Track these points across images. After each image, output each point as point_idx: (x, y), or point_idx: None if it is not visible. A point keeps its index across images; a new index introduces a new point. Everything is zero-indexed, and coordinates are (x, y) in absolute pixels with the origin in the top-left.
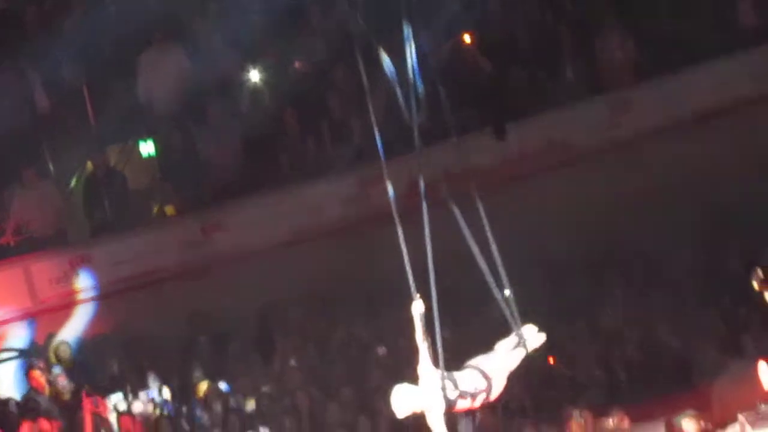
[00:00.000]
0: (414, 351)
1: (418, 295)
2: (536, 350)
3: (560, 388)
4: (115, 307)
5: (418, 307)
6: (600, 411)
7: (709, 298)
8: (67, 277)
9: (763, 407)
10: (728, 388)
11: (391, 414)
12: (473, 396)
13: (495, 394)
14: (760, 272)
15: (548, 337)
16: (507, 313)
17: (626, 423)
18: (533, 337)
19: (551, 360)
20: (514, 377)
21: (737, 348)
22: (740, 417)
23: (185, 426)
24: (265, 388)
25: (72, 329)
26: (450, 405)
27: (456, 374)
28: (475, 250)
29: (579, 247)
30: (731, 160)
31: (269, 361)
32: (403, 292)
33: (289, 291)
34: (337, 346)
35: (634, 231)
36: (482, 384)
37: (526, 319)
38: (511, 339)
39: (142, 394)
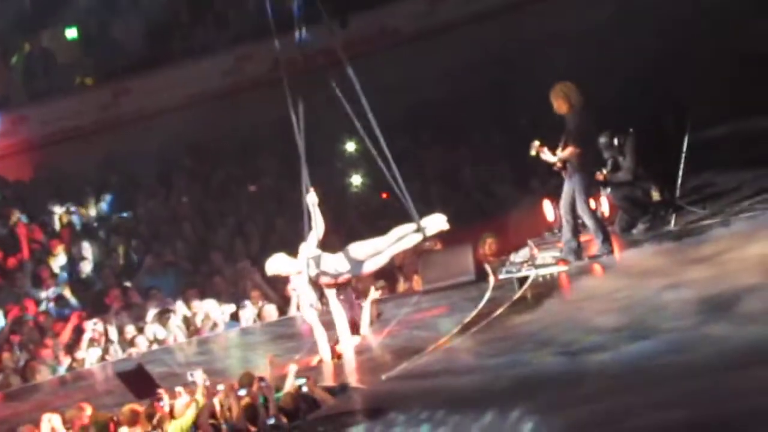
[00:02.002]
0: (277, 190)
1: (312, 189)
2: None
3: (392, 217)
4: (46, 155)
5: (311, 198)
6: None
7: (504, 149)
8: (9, 132)
9: (547, 235)
10: (520, 219)
11: (261, 234)
12: (335, 276)
13: (365, 272)
14: (537, 143)
15: (383, 179)
16: (408, 206)
17: (439, 245)
18: (436, 224)
19: (385, 195)
20: (353, 210)
21: (527, 188)
22: (529, 242)
23: (101, 247)
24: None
25: (13, 173)
26: (312, 279)
27: (326, 256)
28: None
29: (404, 111)
30: (510, 46)
31: (167, 197)
32: (268, 142)
33: (181, 143)
34: (218, 184)
35: (445, 98)
36: (344, 267)
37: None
38: (409, 225)
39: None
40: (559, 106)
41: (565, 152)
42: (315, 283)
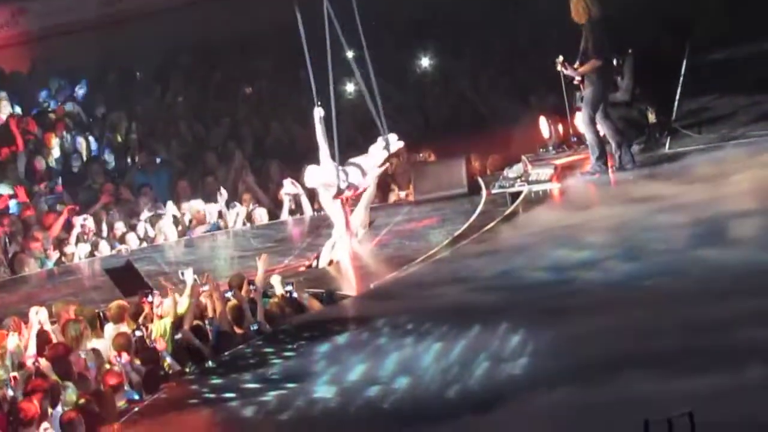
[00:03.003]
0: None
1: (319, 103)
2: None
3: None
4: (46, 47)
5: (318, 112)
6: (414, 148)
7: (505, 65)
8: (9, 24)
9: (541, 151)
10: (516, 134)
11: (255, 138)
12: (355, 188)
13: (367, 185)
14: (561, 58)
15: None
16: (378, 123)
17: (433, 156)
18: (395, 143)
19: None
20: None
21: (525, 104)
22: (523, 158)
23: (95, 143)
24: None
25: (11, 65)
26: (340, 192)
27: (346, 168)
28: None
29: (408, 18)
30: None
31: (163, 96)
32: (268, 45)
33: (181, 41)
34: (215, 85)
35: (450, 8)
36: (360, 179)
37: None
38: (379, 143)
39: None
40: (579, 15)
41: (585, 66)
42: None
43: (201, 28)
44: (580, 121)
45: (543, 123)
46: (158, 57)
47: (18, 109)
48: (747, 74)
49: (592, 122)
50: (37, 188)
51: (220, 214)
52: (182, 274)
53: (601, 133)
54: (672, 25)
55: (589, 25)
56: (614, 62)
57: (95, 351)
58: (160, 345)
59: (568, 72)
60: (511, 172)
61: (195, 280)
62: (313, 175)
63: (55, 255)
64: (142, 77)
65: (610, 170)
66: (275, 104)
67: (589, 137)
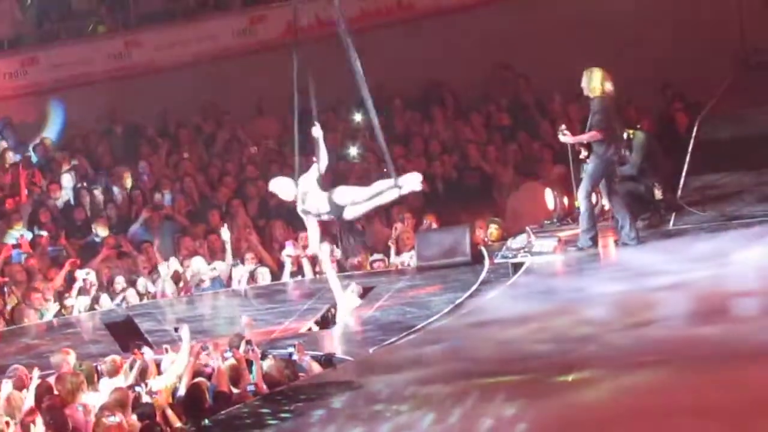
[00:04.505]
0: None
1: (317, 123)
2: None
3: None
4: (53, 101)
5: (317, 132)
6: (419, 214)
7: (511, 133)
8: (18, 74)
9: (545, 222)
10: (521, 205)
11: (261, 198)
12: (315, 216)
13: (344, 217)
14: (563, 126)
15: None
16: (388, 165)
17: (437, 224)
18: (412, 183)
19: (385, 170)
20: (355, 181)
21: (530, 174)
22: (527, 228)
23: (100, 196)
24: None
25: (19, 115)
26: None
27: (313, 193)
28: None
29: (412, 86)
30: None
31: (169, 151)
32: (275, 105)
33: (189, 99)
34: (222, 143)
35: (456, 76)
36: (326, 209)
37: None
38: (389, 181)
39: (65, 164)
40: (590, 89)
41: (585, 134)
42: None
43: (209, 86)
44: (579, 192)
45: (549, 195)
46: (166, 113)
47: (24, 159)
48: (754, 154)
49: (589, 196)
50: (41, 239)
51: (222, 273)
52: (177, 330)
53: (607, 208)
54: (683, 101)
55: (597, 100)
56: (624, 137)
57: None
58: (159, 401)
59: (567, 138)
60: (515, 243)
61: (194, 340)
62: (278, 182)
63: (55, 307)
64: (149, 132)
65: (600, 245)
66: (281, 165)
67: (582, 209)
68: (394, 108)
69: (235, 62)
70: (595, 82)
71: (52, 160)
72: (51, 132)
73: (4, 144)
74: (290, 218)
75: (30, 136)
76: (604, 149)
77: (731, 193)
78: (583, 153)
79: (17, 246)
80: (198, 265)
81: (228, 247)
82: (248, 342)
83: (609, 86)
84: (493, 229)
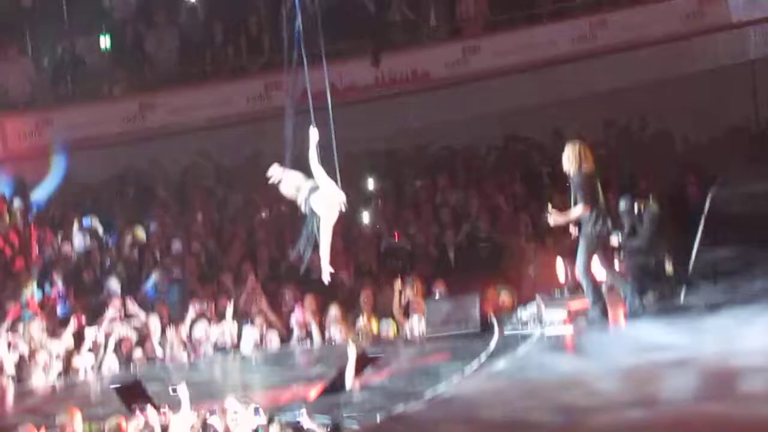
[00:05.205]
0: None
1: (314, 125)
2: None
3: (399, 259)
4: (66, 161)
5: (313, 134)
6: (428, 281)
7: (523, 203)
8: (33, 133)
9: (556, 293)
10: (531, 275)
11: (271, 261)
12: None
13: None
14: (550, 206)
15: (397, 219)
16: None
17: (446, 291)
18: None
19: (396, 236)
20: (365, 246)
21: (542, 245)
22: (537, 298)
23: (110, 256)
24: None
25: (33, 175)
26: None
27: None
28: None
29: (423, 153)
30: (538, 101)
31: (181, 213)
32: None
33: (202, 163)
34: (234, 207)
35: (468, 145)
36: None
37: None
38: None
39: (77, 225)
40: (569, 165)
41: (571, 212)
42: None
43: (223, 149)
44: (576, 269)
45: (559, 265)
46: (178, 175)
47: (36, 219)
48: (766, 229)
49: (587, 270)
50: (50, 298)
51: (231, 335)
52: (174, 390)
53: (608, 281)
54: (696, 174)
55: (577, 176)
56: (635, 208)
57: None
58: None
59: (556, 218)
60: (525, 313)
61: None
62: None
63: (61, 366)
64: (161, 194)
65: (611, 318)
66: (293, 230)
67: (584, 285)
68: (405, 175)
69: (250, 127)
70: (575, 158)
71: (63, 219)
72: (49, 186)
73: (17, 203)
74: (300, 282)
75: (42, 196)
76: (592, 224)
77: (742, 267)
78: (573, 230)
79: (26, 305)
80: (206, 327)
81: (230, 310)
82: (255, 409)
83: (586, 162)
84: (504, 298)
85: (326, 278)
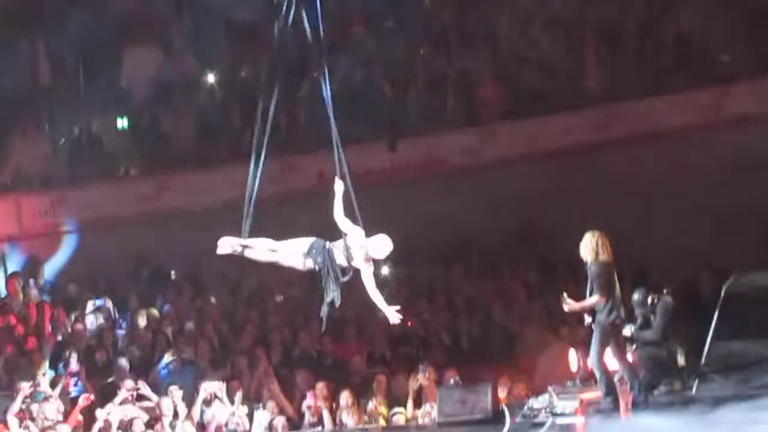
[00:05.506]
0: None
1: (338, 177)
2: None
3: (413, 346)
4: (80, 241)
5: (338, 186)
6: (441, 368)
7: (538, 292)
8: (48, 212)
9: (569, 383)
10: (544, 364)
11: (284, 346)
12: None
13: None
14: (565, 294)
15: (411, 306)
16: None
17: (459, 378)
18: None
19: (409, 322)
20: (379, 332)
21: (555, 335)
22: (550, 388)
23: (123, 337)
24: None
25: (47, 253)
26: None
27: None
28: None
29: (438, 239)
30: (556, 186)
31: (194, 297)
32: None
33: (216, 246)
34: (248, 291)
35: (483, 232)
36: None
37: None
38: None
39: (90, 305)
40: (586, 254)
41: (589, 301)
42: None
43: (237, 233)
44: (590, 359)
45: (572, 355)
46: (192, 258)
47: (50, 298)
48: None
49: (600, 360)
50: (62, 378)
51: (241, 417)
52: None
53: (617, 370)
54: (710, 268)
55: (596, 265)
56: (648, 300)
57: None
58: None
59: (571, 305)
60: (537, 402)
61: None
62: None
63: None
64: (175, 276)
65: (623, 409)
66: (306, 315)
67: (597, 375)
68: (419, 263)
69: (264, 209)
70: (594, 247)
71: (77, 299)
72: (63, 265)
73: (31, 281)
74: (313, 367)
75: (56, 274)
76: (606, 314)
77: (755, 361)
78: (587, 319)
79: (37, 385)
80: (217, 410)
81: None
82: None
83: (607, 251)
84: (516, 388)
85: (395, 320)
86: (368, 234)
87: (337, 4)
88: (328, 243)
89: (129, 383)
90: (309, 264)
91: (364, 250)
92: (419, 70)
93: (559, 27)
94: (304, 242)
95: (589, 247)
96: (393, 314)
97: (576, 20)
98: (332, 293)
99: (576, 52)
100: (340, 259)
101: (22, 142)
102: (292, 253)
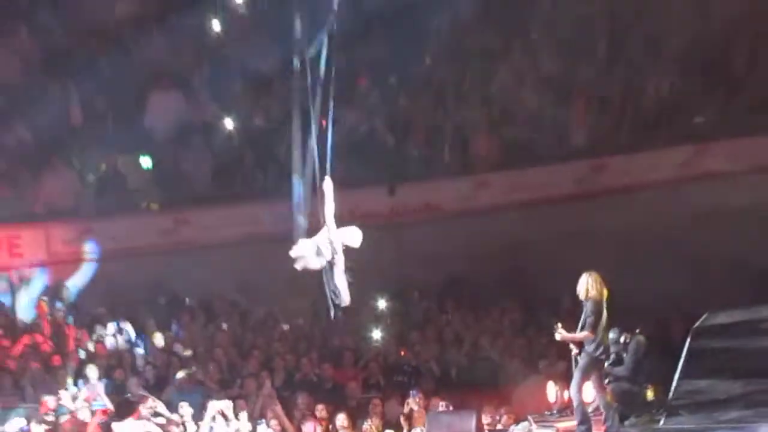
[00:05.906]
0: (307, 330)
1: (328, 177)
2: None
3: (405, 374)
4: (104, 268)
5: (328, 185)
6: (430, 395)
7: (521, 328)
8: (75, 241)
9: (546, 413)
10: (524, 395)
11: (287, 371)
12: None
13: None
14: (559, 325)
15: (404, 337)
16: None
17: (447, 405)
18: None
19: (402, 352)
20: (374, 360)
21: (535, 367)
22: (529, 417)
23: (141, 360)
24: (200, 342)
25: (73, 279)
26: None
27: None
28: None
29: (433, 279)
30: (542, 232)
31: (206, 323)
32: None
33: (228, 279)
34: (257, 319)
35: (476, 273)
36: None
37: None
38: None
39: (110, 326)
40: (582, 292)
41: (579, 334)
42: None
43: (249, 264)
44: (571, 386)
45: (551, 387)
46: (206, 287)
47: (75, 321)
48: (743, 364)
49: (580, 390)
50: (84, 396)
51: None
52: None
53: (595, 402)
54: (680, 311)
55: (591, 302)
56: (621, 339)
57: None
58: None
59: (563, 335)
60: (517, 429)
61: None
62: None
63: None
64: (190, 303)
65: None
66: (309, 343)
67: (575, 403)
68: (413, 298)
69: (275, 244)
70: (590, 286)
71: (98, 321)
72: (87, 290)
73: (58, 305)
74: (313, 391)
75: (80, 299)
76: (594, 348)
77: (719, 399)
78: (575, 350)
79: (59, 399)
80: (224, 428)
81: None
82: None
83: (603, 291)
84: (503, 416)
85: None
86: None
87: (345, 61)
88: (317, 239)
89: (148, 401)
90: (322, 262)
91: (341, 241)
92: (419, 122)
93: (548, 86)
94: (310, 243)
95: (583, 285)
96: (347, 296)
97: (564, 81)
98: (333, 283)
99: (563, 110)
100: (327, 252)
101: (53, 177)
102: (312, 255)
